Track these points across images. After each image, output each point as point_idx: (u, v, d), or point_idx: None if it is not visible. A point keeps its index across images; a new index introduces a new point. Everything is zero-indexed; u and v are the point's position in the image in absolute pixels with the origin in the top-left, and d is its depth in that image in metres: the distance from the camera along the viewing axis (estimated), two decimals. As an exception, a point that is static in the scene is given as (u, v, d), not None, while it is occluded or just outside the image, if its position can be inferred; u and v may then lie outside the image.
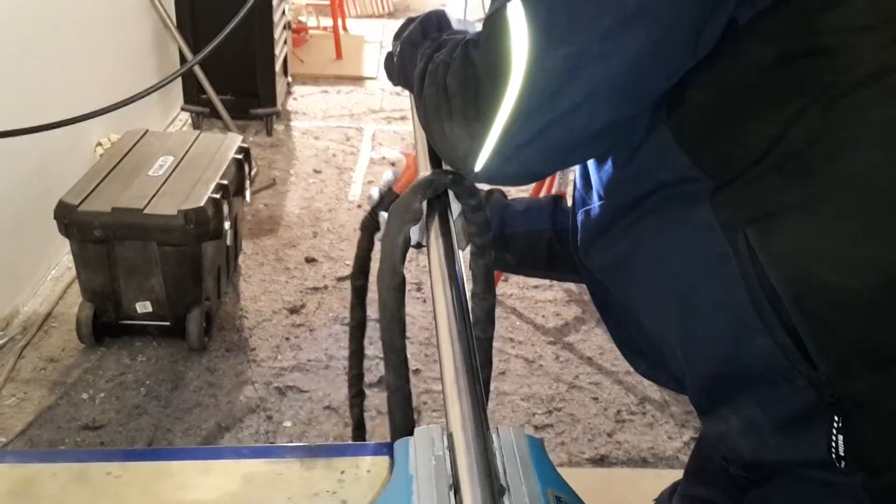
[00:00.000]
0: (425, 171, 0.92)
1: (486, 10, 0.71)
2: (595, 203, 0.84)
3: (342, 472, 0.78)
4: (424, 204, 0.88)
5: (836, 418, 0.62)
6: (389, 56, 0.99)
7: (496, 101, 0.68)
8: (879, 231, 0.58)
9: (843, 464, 0.63)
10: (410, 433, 0.64)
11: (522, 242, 1.09)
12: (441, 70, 0.75)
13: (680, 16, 0.63)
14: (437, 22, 0.93)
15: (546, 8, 0.65)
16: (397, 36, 0.97)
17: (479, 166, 0.74)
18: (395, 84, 0.98)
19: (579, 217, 0.88)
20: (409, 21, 0.96)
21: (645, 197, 0.75)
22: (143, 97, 2.02)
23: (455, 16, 0.96)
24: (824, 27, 0.61)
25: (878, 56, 0.59)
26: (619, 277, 0.83)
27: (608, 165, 0.80)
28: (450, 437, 0.59)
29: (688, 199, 0.70)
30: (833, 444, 0.63)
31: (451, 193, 0.91)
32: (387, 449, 0.79)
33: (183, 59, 3.83)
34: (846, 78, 0.60)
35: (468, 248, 0.98)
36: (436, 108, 0.75)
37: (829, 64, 0.60)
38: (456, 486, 0.56)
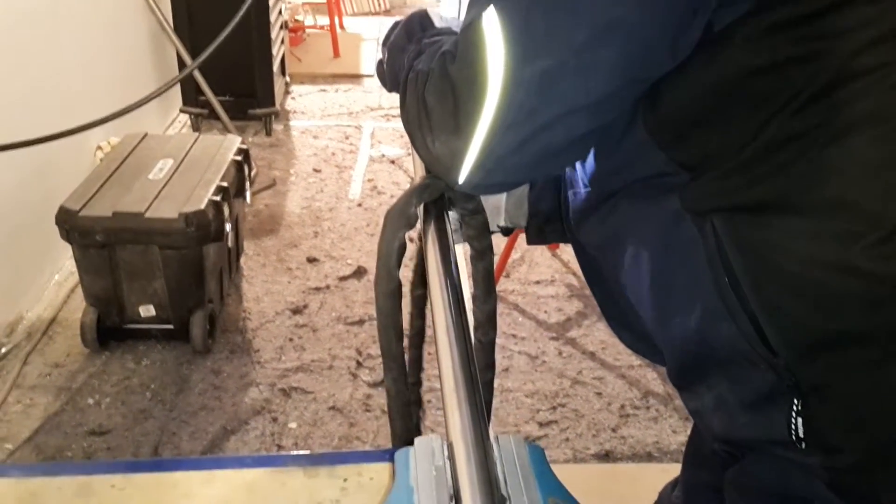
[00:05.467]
0: (421, 174, 0.92)
1: (462, 21, 0.72)
2: (581, 188, 0.85)
3: (345, 480, 0.78)
4: (421, 208, 0.89)
5: (795, 401, 0.64)
6: (380, 63, 1.00)
7: (474, 116, 0.69)
8: (841, 233, 0.60)
9: (802, 445, 0.65)
10: (410, 439, 0.64)
11: None
12: (420, 81, 0.76)
13: (656, 27, 0.63)
14: (419, 23, 0.93)
15: (522, 20, 0.65)
16: (385, 42, 0.97)
17: (461, 178, 0.74)
18: (389, 91, 0.98)
19: (569, 195, 0.89)
20: (395, 26, 0.97)
21: (626, 187, 0.77)
22: (142, 105, 2.03)
23: (437, 12, 0.96)
24: (804, 35, 0.61)
25: (852, 59, 0.60)
26: (607, 254, 0.85)
27: (590, 159, 0.82)
28: (450, 447, 0.59)
29: (665, 188, 0.71)
30: (793, 426, 0.65)
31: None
32: (389, 455, 0.79)
33: (180, 61, 3.83)
34: (818, 81, 0.60)
35: (468, 250, 0.98)
36: (417, 121, 0.76)
37: (802, 69, 0.61)
38: (457, 497, 0.56)
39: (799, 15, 0.60)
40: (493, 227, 1.05)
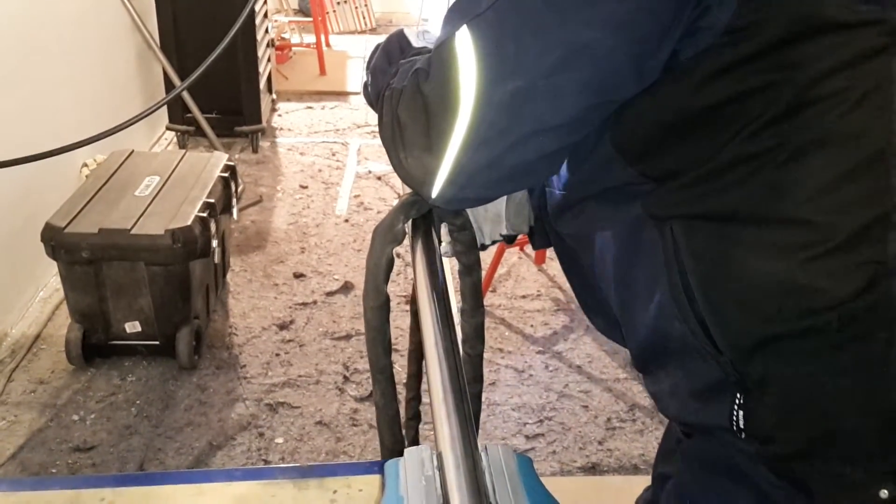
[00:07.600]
0: (409, 191, 0.94)
1: (435, 40, 0.73)
2: (556, 190, 0.89)
3: (335, 492, 0.79)
4: (409, 224, 0.90)
5: (738, 395, 0.69)
6: (365, 86, 1.01)
7: (446, 133, 0.70)
8: (784, 247, 0.64)
9: (742, 434, 0.70)
10: (399, 451, 0.65)
11: None
12: (394, 99, 0.77)
13: (623, 53, 0.65)
14: (398, 45, 0.95)
15: (494, 41, 0.67)
16: (368, 65, 0.98)
17: (434, 193, 0.76)
18: (376, 112, 1.00)
19: (547, 190, 0.92)
20: (376, 49, 0.98)
21: (597, 194, 0.81)
22: (130, 125, 2.03)
23: (416, 31, 0.98)
24: (765, 66, 0.64)
25: (809, 88, 0.63)
26: (582, 246, 0.89)
27: (563, 169, 0.85)
28: (439, 457, 0.60)
29: (632, 195, 0.75)
30: (734, 417, 0.69)
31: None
32: (377, 467, 0.80)
33: (167, 79, 3.84)
34: (775, 107, 0.63)
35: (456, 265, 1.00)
36: (391, 138, 0.78)
37: (762, 96, 0.64)
38: (446, 506, 0.57)
39: (760, 48, 0.63)
40: (496, 237, 1.07)
